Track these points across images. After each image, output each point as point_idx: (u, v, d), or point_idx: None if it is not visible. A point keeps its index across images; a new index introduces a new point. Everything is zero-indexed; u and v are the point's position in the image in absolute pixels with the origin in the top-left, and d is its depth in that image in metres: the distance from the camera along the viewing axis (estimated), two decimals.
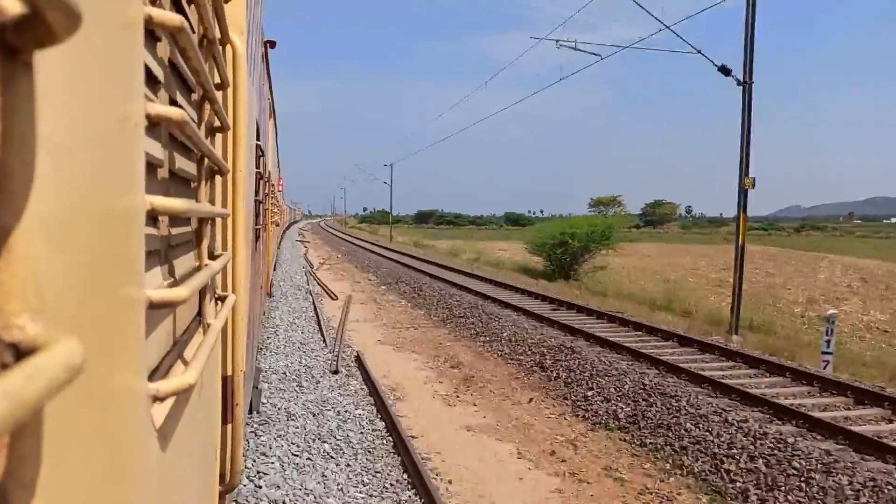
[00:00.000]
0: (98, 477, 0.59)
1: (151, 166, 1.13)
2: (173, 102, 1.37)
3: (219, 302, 1.98)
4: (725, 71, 14.05)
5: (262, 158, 5.57)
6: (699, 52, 14.74)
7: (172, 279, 1.34)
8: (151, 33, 1.12)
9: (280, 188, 20.51)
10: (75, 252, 0.51)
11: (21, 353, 0.37)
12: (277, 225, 19.55)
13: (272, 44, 7.68)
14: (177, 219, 1.40)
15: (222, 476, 2.39)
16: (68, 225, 0.49)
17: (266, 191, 7.35)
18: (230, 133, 2.27)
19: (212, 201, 1.89)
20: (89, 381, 0.53)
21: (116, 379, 0.66)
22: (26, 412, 0.33)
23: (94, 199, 0.58)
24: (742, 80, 13.67)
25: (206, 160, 1.61)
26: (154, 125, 1.12)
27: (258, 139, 4.90)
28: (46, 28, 0.37)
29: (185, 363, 1.32)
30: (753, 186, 13.81)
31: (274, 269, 18.80)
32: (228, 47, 2.24)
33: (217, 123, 1.97)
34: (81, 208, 0.54)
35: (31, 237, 0.40)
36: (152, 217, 1.07)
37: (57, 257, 0.46)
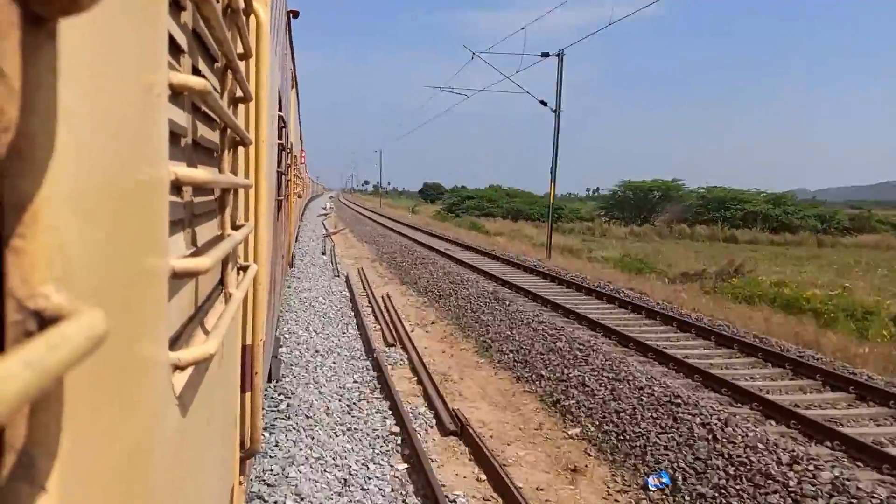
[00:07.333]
0: (120, 444, 0.60)
1: (175, 136, 1.13)
2: (196, 71, 1.36)
3: (240, 272, 1.99)
4: (544, 103, 21.77)
5: (284, 129, 5.56)
6: (528, 92, 22.58)
7: (195, 248, 1.35)
8: (176, 2, 1.11)
9: (303, 160, 20.49)
10: (100, 222, 0.51)
11: (45, 321, 0.37)
12: (300, 197, 19.53)
13: (295, 14, 7.62)
14: (200, 188, 1.40)
15: (242, 443, 2.43)
16: (93, 195, 0.49)
17: (288, 162, 7.36)
18: (252, 103, 2.27)
19: (234, 171, 1.89)
20: (112, 349, 0.54)
21: (139, 348, 0.67)
22: (49, 381, 0.33)
23: (118, 169, 0.58)
24: (554, 109, 21.62)
25: (229, 130, 1.61)
26: (177, 94, 1.12)
27: (280, 110, 4.89)
28: None
29: (206, 332, 1.33)
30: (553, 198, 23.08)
31: (296, 241, 18.73)
32: (252, 17, 2.23)
33: (240, 93, 1.97)
34: (106, 178, 0.54)
35: (56, 207, 0.41)
36: (176, 186, 1.07)
37: (82, 227, 0.46)
